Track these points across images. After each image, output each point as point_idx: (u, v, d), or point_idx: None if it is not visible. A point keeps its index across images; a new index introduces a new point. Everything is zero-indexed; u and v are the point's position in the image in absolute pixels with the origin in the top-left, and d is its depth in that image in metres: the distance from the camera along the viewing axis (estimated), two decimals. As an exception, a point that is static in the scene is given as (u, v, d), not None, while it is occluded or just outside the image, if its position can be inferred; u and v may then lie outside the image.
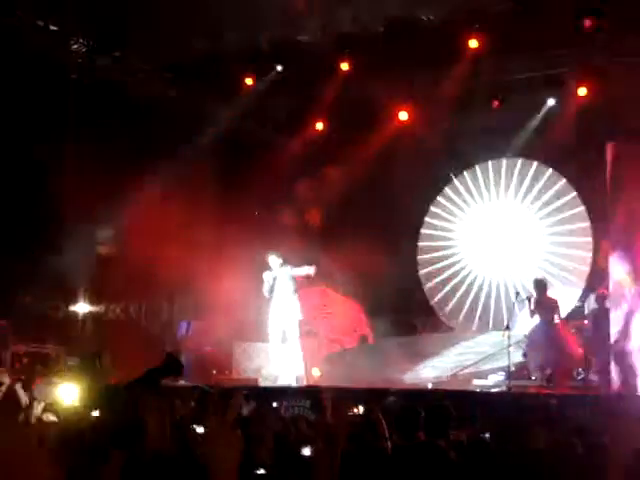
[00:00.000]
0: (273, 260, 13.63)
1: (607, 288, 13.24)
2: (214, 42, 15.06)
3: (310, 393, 10.84)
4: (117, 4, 13.80)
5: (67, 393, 7.62)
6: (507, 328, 13.02)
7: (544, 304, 13.21)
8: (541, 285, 13.54)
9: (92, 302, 16.61)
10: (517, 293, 14.62)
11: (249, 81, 16.35)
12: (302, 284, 16.49)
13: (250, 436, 6.01)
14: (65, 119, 15.37)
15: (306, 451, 4.95)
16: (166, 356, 5.80)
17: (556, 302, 13.45)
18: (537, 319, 13.26)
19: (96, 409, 5.88)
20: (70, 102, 15.32)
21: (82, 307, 16.56)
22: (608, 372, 12.73)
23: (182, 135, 16.67)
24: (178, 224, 15.48)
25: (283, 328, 13.51)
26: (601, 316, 13.48)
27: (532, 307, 13.10)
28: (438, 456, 4.26)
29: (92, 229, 16.24)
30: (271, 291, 13.55)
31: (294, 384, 13.18)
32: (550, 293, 13.88)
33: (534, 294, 13.29)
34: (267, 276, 13.66)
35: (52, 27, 14.86)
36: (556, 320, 13.12)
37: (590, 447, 5.91)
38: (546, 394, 12.26)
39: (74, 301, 16.50)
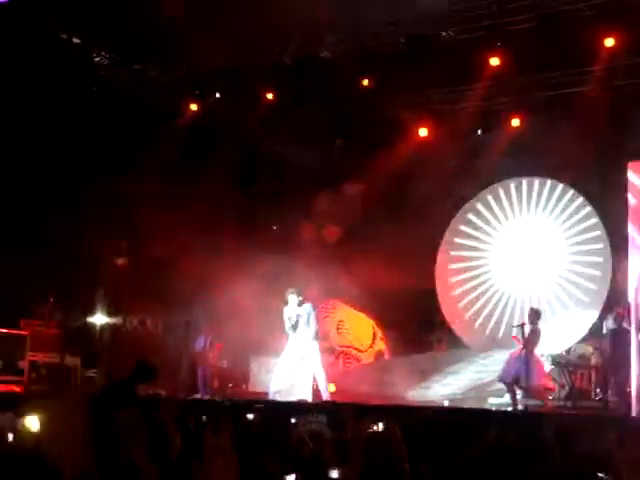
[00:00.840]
0: (292, 299, 13.51)
1: (625, 308, 13.16)
2: (235, 56, 15.12)
3: (327, 409, 10.81)
4: (139, 18, 13.87)
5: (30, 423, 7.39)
6: (523, 347, 12.94)
7: (536, 333, 13.12)
8: (538, 315, 13.46)
9: (109, 314, 16.67)
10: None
11: (270, 95, 16.39)
12: (319, 299, 16.52)
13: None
14: (85, 129, 15.47)
15: (334, 474, 4.88)
16: (137, 363, 5.70)
17: (540, 333, 13.35)
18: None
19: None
20: (90, 113, 15.42)
21: (99, 318, 16.62)
22: (627, 393, 12.65)
23: (202, 148, 16.74)
24: (196, 237, 15.52)
25: (302, 351, 13.45)
26: (619, 336, 13.40)
27: (527, 335, 12.96)
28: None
29: (110, 240, 16.30)
30: (294, 328, 13.44)
31: (309, 399, 13.15)
32: (566, 313, 13.86)
33: (528, 322, 13.19)
34: (287, 313, 13.50)
35: (75, 40, 14.96)
36: (536, 350, 13.07)
37: (604, 468, 5.87)
38: (564, 414, 12.19)
39: (92, 312, 16.56)
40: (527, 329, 12.96)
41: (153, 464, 5.24)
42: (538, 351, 13.65)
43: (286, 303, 13.54)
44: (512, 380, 12.85)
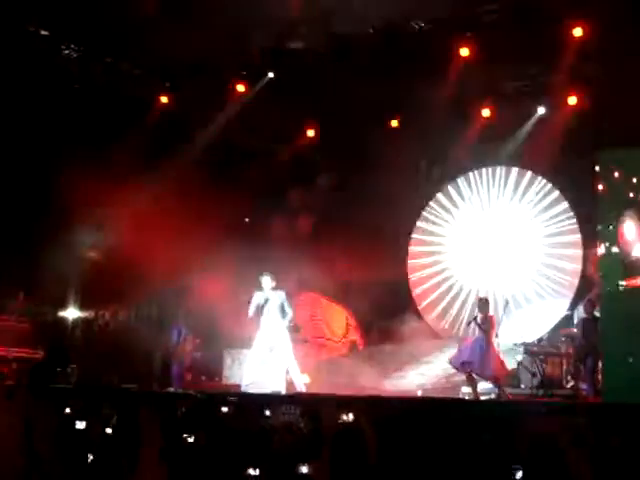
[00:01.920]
0: (266, 281, 13.32)
1: (595, 296, 13.28)
2: (206, 48, 15.05)
3: (300, 400, 10.81)
4: (109, 10, 13.79)
5: None
6: (496, 337, 13.03)
7: (489, 321, 13.14)
8: (487, 304, 13.49)
9: (82, 307, 16.59)
10: (507, 302, 14.64)
11: (241, 88, 16.35)
12: (292, 291, 16.50)
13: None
14: (57, 124, 15.37)
15: (304, 469, 4.89)
16: (49, 349, 5.64)
17: (494, 321, 13.37)
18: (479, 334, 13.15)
19: None
20: (61, 107, 15.31)
21: (71, 312, 16.54)
22: (597, 380, 12.78)
23: (174, 141, 16.67)
24: (168, 229, 15.46)
25: (272, 341, 13.36)
26: (589, 324, 13.54)
27: (479, 323, 13.02)
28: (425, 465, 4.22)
29: (82, 234, 16.21)
30: (258, 312, 13.25)
31: (283, 391, 13.14)
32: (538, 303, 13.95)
33: (479, 312, 13.22)
34: (258, 297, 13.34)
35: (43, 32, 14.83)
36: (493, 336, 13.09)
37: (579, 455, 5.92)
38: (536, 402, 12.28)
39: (63, 306, 16.47)
40: (479, 319, 12.99)
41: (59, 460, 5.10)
42: (507, 340, 13.77)
43: (259, 286, 13.47)
44: (461, 366, 12.90)
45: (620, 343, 11.52)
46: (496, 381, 12.92)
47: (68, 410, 7.72)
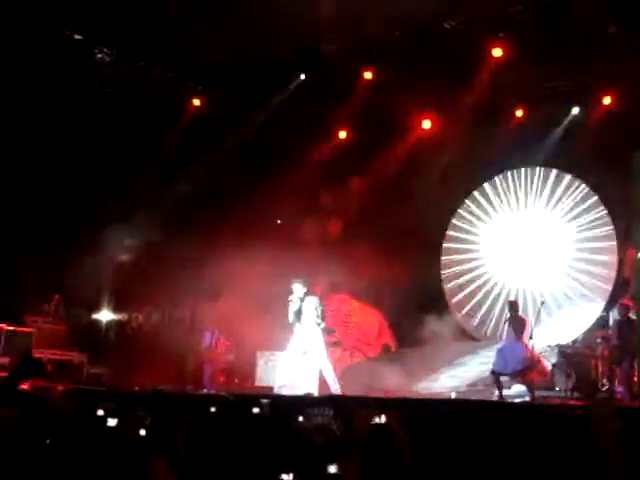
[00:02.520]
0: (297, 288, 13.44)
1: (631, 299, 13.14)
2: (239, 51, 15.09)
3: (333, 402, 10.79)
4: (141, 14, 13.87)
5: None
6: (530, 338, 12.95)
7: (519, 322, 13.17)
8: (516, 306, 13.54)
9: (115, 310, 16.69)
10: (542, 302, 14.54)
11: (272, 90, 16.37)
12: (324, 293, 16.49)
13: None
14: (89, 127, 15.48)
15: (332, 468, 4.85)
16: (24, 357, 5.54)
17: (526, 322, 13.42)
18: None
19: None
20: (94, 110, 15.43)
21: (105, 315, 16.64)
22: (633, 383, 12.65)
23: (208, 143, 16.73)
24: (202, 231, 15.52)
25: (305, 344, 13.43)
26: (625, 327, 13.41)
27: (511, 324, 13.11)
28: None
29: (116, 237, 16.31)
30: (297, 314, 13.38)
31: (315, 393, 13.14)
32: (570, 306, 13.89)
33: (509, 314, 13.32)
34: (293, 303, 13.38)
35: (77, 36, 14.95)
36: (525, 338, 13.10)
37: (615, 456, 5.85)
38: (571, 406, 12.16)
39: (98, 309, 16.59)
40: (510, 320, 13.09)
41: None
42: (542, 342, 13.72)
43: (291, 293, 13.51)
44: (499, 370, 12.91)
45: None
46: (527, 381, 12.95)
47: (101, 412, 7.75)
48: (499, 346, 13.38)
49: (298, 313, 13.36)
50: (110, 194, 15.39)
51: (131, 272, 16.39)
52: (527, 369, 12.81)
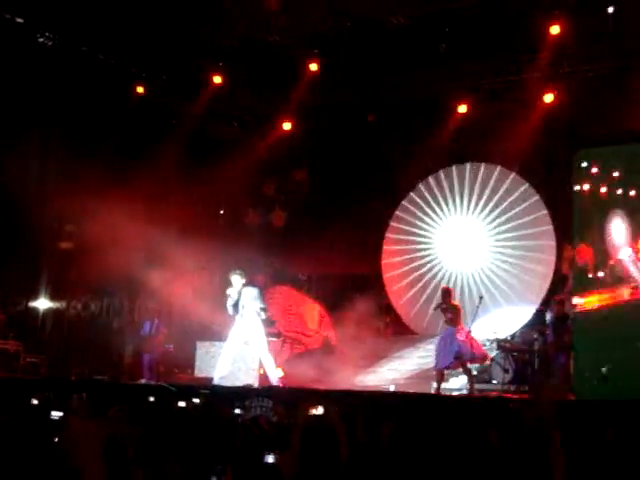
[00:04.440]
0: (236, 280, 13.33)
1: (567, 294, 13.36)
2: (182, 39, 14.97)
3: (272, 393, 10.80)
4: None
5: None
6: (469, 332, 13.10)
7: (453, 310, 13.36)
8: (449, 293, 13.72)
9: (53, 298, 16.46)
10: (481, 297, 14.69)
11: (217, 79, 16.25)
12: (266, 284, 16.47)
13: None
14: (30, 113, 15.22)
15: (270, 458, 4.84)
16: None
17: (459, 308, 13.62)
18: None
19: None
20: (36, 94, 15.15)
21: (42, 303, 16.40)
22: (568, 377, 12.86)
23: (148, 132, 16.55)
24: (141, 221, 15.36)
25: (246, 335, 13.38)
26: (561, 322, 13.63)
27: (444, 310, 13.33)
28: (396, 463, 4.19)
29: (54, 224, 16.09)
30: (235, 307, 13.26)
31: (255, 384, 13.13)
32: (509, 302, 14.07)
33: (443, 303, 13.50)
34: (231, 295, 13.27)
35: (18, 19, 14.67)
36: (461, 323, 13.34)
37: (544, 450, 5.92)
38: (507, 398, 12.33)
39: (34, 297, 16.33)
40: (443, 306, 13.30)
41: None
42: (480, 336, 13.90)
43: (230, 284, 13.42)
44: (453, 360, 13.02)
45: (592, 351, 11.74)
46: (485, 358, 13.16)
47: (35, 401, 7.65)
48: (437, 340, 13.51)
49: (236, 305, 13.27)
50: (48, 181, 15.17)
51: (70, 260, 16.16)
52: (462, 356, 12.92)
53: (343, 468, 4.94)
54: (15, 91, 14.84)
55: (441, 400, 11.51)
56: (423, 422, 7.53)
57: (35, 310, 16.36)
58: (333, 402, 5.38)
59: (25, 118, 15.19)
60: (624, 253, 12.04)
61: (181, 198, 17.10)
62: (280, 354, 16.16)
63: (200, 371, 15.39)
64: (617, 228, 12.19)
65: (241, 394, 10.97)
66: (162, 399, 9.06)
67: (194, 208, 16.97)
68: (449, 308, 13.27)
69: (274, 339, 16.02)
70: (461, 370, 13.67)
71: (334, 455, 4.94)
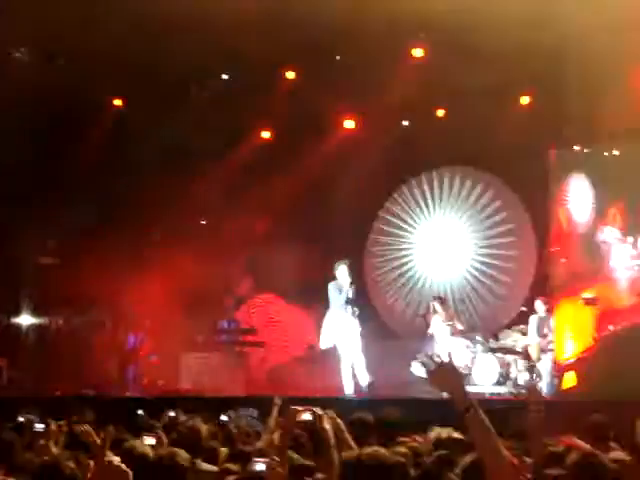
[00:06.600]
0: (343, 271, 12.18)
1: (549, 294, 13.45)
2: (159, 51, 14.91)
3: (258, 402, 10.77)
4: (61, 13, 13.59)
5: None
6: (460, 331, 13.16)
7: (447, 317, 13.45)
8: (442, 300, 13.89)
9: (35, 313, 16.39)
10: (463, 299, 14.76)
11: (194, 89, 16.23)
12: (249, 293, 16.44)
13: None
14: (6, 126, 15.12)
15: (259, 466, 4.82)
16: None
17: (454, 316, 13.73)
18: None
19: None
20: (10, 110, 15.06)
21: (25, 319, 16.33)
22: (554, 377, 12.93)
23: (127, 145, 16.50)
24: (123, 234, 15.33)
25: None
26: (542, 322, 13.71)
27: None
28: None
29: (35, 239, 16.01)
30: (348, 303, 12.14)
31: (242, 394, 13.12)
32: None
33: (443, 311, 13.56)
34: (338, 286, 12.07)
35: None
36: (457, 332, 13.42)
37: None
38: (489, 399, 12.37)
39: (17, 313, 16.26)
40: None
41: None
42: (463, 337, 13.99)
43: (334, 277, 12.53)
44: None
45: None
46: None
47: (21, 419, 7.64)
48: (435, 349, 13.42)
49: (347, 300, 12.28)
50: (30, 197, 15.08)
51: (51, 274, 16.09)
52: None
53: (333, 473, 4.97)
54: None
55: (427, 403, 11.51)
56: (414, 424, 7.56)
57: (18, 325, 16.29)
58: (319, 409, 5.38)
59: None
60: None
61: (162, 211, 17.03)
62: (264, 363, 16.17)
63: (184, 383, 15.38)
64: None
65: (226, 403, 10.95)
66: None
67: (175, 219, 16.93)
68: (447, 315, 13.31)
69: (258, 347, 16.05)
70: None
71: (324, 459, 4.98)
